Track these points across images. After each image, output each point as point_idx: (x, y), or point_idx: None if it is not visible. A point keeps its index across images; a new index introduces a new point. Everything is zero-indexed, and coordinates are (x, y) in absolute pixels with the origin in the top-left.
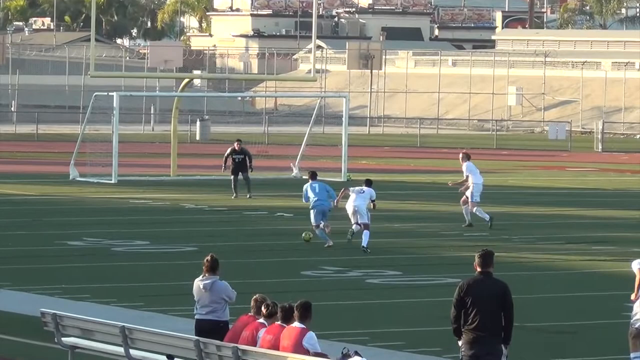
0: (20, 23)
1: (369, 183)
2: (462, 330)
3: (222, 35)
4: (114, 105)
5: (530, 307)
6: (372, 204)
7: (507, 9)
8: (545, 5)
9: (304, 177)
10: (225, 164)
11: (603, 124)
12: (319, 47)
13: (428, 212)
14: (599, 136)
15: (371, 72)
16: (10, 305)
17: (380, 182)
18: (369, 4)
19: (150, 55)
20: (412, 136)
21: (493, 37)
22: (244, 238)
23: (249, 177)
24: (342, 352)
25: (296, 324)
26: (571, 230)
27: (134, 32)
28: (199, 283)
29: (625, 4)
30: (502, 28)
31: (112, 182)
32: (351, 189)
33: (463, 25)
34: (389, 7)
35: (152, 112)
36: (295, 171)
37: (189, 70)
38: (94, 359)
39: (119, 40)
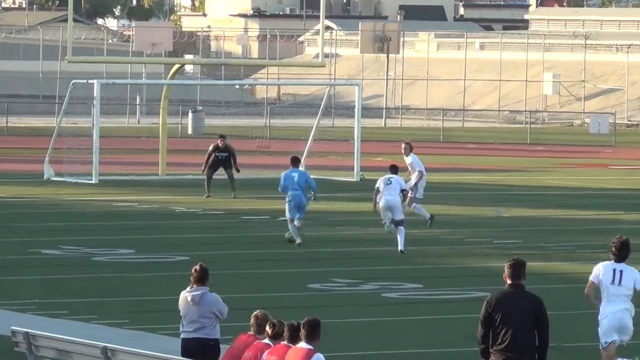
0: None
1: (394, 170)
2: (491, 351)
3: (217, 15)
4: (95, 94)
5: (568, 325)
6: (403, 195)
7: None
8: None
9: (312, 176)
10: (206, 163)
11: None
12: (327, 28)
13: (452, 216)
14: None
15: (387, 57)
16: None
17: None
18: None
19: (136, 38)
20: (434, 130)
21: (526, 17)
22: (242, 246)
23: (233, 176)
24: None
25: (302, 345)
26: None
27: (117, 11)
28: (186, 295)
29: None
30: (537, 6)
31: (93, 182)
32: (378, 181)
33: (492, 3)
34: None
35: (137, 102)
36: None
37: (180, 55)
38: None
39: (100, 21)
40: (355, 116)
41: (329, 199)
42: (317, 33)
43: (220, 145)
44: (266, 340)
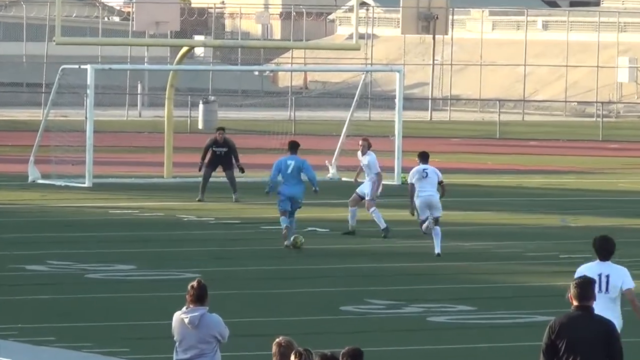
0: None
1: (425, 158)
2: None
3: None
4: (88, 82)
5: None
6: (442, 188)
7: None
8: None
9: (343, 179)
10: (203, 159)
11: None
12: (363, 4)
13: (510, 226)
14: None
15: (434, 38)
16: None
17: (446, 185)
18: None
19: (137, 16)
20: (489, 124)
21: None
22: (261, 261)
23: (234, 176)
24: None
25: None
26: None
27: None
28: (181, 317)
29: None
30: None
31: (86, 185)
32: (410, 175)
33: None
34: None
35: (139, 91)
36: (332, 171)
37: (189, 36)
38: None
39: None
40: (396, 108)
41: (364, 205)
42: (350, 10)
43: (218, 139)
44: None
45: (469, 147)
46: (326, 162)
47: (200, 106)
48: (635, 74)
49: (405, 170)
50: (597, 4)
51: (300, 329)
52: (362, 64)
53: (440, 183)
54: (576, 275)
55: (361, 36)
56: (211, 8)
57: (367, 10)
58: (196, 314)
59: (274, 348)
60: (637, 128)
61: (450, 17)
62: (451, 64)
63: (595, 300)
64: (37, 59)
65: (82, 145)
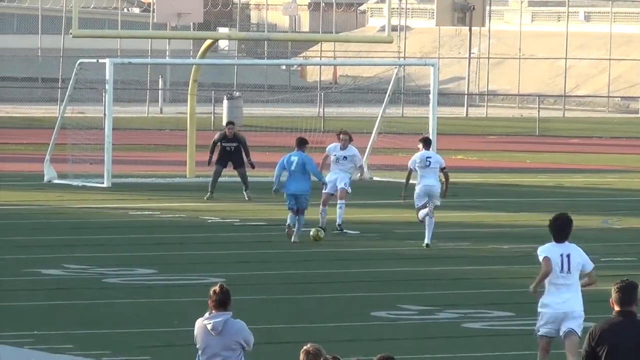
0: None
1: (428, 144)
2: None
3: None
4: (107, 77)
5: None
6: (445, 175)
7: None
8: None
9: (375, 178)
10: (212, 153)
11: None
12: None
13: None
14: None
15: (470, 30)
16: None
17: (483, 184)
18: None
19: (158, 7)
20: (528, 120)
21: None
22: (289, 265)
23: (246, 174)
24: None
25: None
26: None
27: None
28: (204, 323)
29: None
30: None
31: (104, 185)
32: (411, 161)
33: None
34: None
35: (160, 86)
36: (363, 170)
37: (213, 28)
38: None
39: None
40: (430, 104)
41: (397, 206)
42: (382, 1)
43: (227, 134)
44: None
45: (507, 144)
46: None
47: (225, 102)
48: None
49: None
50: None
51: (329, 335)
52: (394, 57)
53: (442, 170)
54: (541, 253)
55: (394, 28)
56: None
57: (400, 0)
58: (219, 319)
59: (302, 356)
60: None
61: (488, 8)
62: (488, 58)
63: (637, 305)
64: (53, 53)
65: (100, 144)
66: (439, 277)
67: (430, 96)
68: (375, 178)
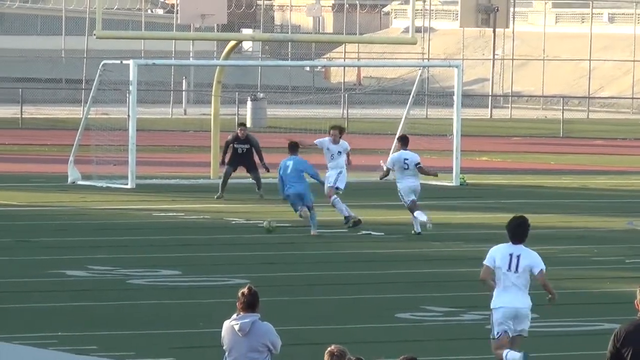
0: None
1: (405, 142)
2: None
3: None
4: (130, 78)
5: None
6: (419, 169)
7: None
8: None
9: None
10: (224, 154)
11: None
12: None
13: (575, 229)
14: None
15: (494, 32)
16: None
17: (507, 186)
18: None
19: (181, 8)
20: (552, 122)
21: None
22: (313, 266)
23: (259, 177)
24: None
25: None
26: None
27: None
28: (232, 325)
29: None
30: None
31: (128, 187)
32: (390, 161)
33: None
34: None
35: (183, 88)
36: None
37: (237, 29)
38: None
39: None
40: (454, 105)
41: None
42: (406, 2)
43: (240, 135)
44: None
45: (531, 146)
46: (380, 162)
47: (249, 103)
48: None
49: (464, 170)
50: None
51: (353, 337)
52: (418, 58)
53: (417, 165)
54: (487, 255)
55: (418, 29)
56: (260, 0)
57: (424, 2)
58: (247, 321)
59: (326, 357)
60: None
61: (512, 9)
62: (512, 59)
63: None
64: (76, 54)
65: (124, 145)
66: (463, 278)
67: (455, 97)
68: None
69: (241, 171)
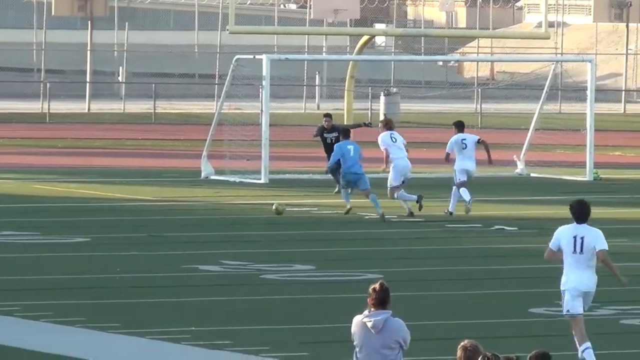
0: None
1: (461, 127)
2: None
3: None
4: (264, 73)
5: None
6: (485, 145)
7: None
8: None
9: (532, 174)
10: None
11: None
12: None
13: None
14: None
15: (627, 27)
16: (123, 357)
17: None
18: None
19: (314, 3)
20: None
21: None
22: (445, 261)
23: None
24: None
25: None
26: None
27: None
28: (364, 321)
29: None
30: None
31: (261, 182)
32: (449, 145)
33: None
34: None
35: (316, 83)
36: (520, 167)
37: (369, 24)
38: None
39: None
40: (588, 100)
41: (554, 202)
42: None
43: (326, 126)
44: None
45: None
46: (514, 157)
47: (382, 98)
48: None
49: (598, 165)
50: None
51: (486, 332)
52: (551, 53)
53: (478, 141)
54: (554, 236)
55: (551, 24)
56: None
57: None
58: (380, 317)
59: (459, 352)
60: None
61: None
62: None
63: None
64: (209, 49)
65: (257, 140)
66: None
67: (588, 92)
68: (532, 174)
69: None
